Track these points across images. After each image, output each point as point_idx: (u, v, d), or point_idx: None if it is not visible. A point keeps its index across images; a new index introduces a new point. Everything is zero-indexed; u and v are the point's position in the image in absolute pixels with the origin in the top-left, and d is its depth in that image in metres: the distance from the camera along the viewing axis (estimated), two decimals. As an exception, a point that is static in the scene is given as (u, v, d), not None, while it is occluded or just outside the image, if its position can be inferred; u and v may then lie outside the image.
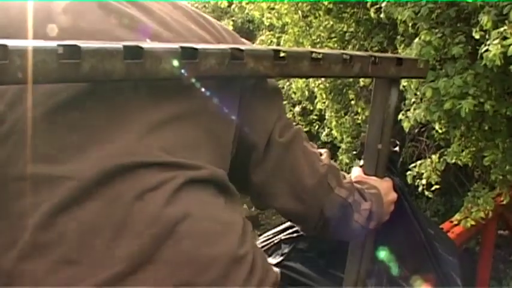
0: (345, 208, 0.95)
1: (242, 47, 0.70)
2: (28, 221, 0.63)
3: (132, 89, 0.69)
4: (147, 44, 0.65)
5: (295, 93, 3.53)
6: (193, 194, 0.70)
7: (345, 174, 1.01)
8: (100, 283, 0.62)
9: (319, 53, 0.78)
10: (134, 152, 0.67)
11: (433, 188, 2.32)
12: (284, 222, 1.66)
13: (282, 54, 0.72)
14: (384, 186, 1.12)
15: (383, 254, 1.44)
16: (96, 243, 0.63)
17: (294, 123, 0.94)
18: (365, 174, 1.18)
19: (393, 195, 1.14)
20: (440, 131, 2.17)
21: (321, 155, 0.94)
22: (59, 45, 0.60)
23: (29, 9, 0.68)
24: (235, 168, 0.81)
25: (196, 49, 0.65)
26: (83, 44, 0.61)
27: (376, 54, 0.92)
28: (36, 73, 0.58)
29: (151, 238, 0.64)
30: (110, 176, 0.65)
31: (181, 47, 0.64)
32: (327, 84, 3.14)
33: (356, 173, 1.18)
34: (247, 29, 5.30)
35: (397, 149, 1.30)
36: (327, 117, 3.38)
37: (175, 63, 0.63)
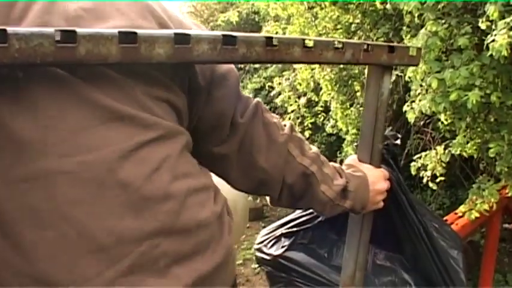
0: (308, 176, 0.98)
1: (234, 34, 0.71)
2: None
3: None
4: (141, 30, 0.66)
5: (300, 84, 3.52)
6: (185, 161, 0.77)
7: (312, 146, 1.04)
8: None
9: (311, 40, 0.78)
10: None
11: (437, 180, 2.30)
12: (288, 215, 1.67)
13: (274, 41, 0.73)
14: (374, 174, 1.13)
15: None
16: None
17: (256, 99, 0.98)
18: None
19: (382, 185, 1.14)
20: (445, 122, 2.16)
21: (285, 126, 0.98)
22: (56, 30, 0.61)
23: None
24: (197, 139, 0.85)
25: (189, 34, 0.66)
26: (79, 29, 0.63)
27: (368, 42, 0.92)
28: (34, 56, 0.59)
29: (167, 214, 0.70)
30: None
31: (175, 33, 0.65)
32: (333, 76, 3.13)
33: (351, 158, 1.20)
34: (253, 20, 5.29)
35: (398, 142, 1.30)
36: (332, 108, 3.37)
37: (169, 48, 0.64)
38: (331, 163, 1.07)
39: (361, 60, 0.89)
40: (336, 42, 0.82)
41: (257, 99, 0.98)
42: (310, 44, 0.77)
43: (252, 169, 0.95)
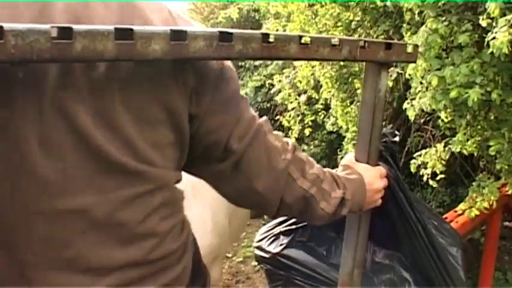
0: (307, 199, 1.00)
1: (231, 30, 0.71)
2: None
3: None
4: (137, 27, 0.65)
5: (300, 82, 3.51)
6: (172, 203, 0.90)
7: (314, 163, 1.05)
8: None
9: (307, 37, 0.78)
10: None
11: (437, 178, 2.30)
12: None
13: (270, 38, 0.73)
14: (371, 173, 1.15)
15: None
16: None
17: (259, 116, 0.98)
18: (357, 160, 1.19)
19: (379, 184, 1.16)
20: (445, 120, 2.15)
21: (288, 146, 0.99)
22: (52, 27, 0.62)
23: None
24: (194, 158, 0.92)
25: (185, 31, 0.66)
26: (75, 25, 0.63)
27: (365, 39, 0.93)
28: (30, 52, 0.60)
29: (149, 248, 0.84)
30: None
31: (171, 29, 0.65)
32: (333, 73, 3.12)
33: (347, 158, 1.22)
34: (253, 18, 5.28)
35: (397, 139, 1.30)
36: (332, 106, 3.36)
37: (165, 44, 0.64)
38: (328, 170, 1.09)
39: (358, 57, 0.89)
40: (332, 39, 0.82)
41: (263, 119, 0.98)
42: (306, 40, 0.78)
43: (248, 192, 0.97)
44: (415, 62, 1.12)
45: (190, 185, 2.30)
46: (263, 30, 0.87)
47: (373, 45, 0.93)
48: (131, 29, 0.64)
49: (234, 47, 0.69)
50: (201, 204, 2.24)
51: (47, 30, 0.61)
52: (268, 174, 0.94)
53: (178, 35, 0.65)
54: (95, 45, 0.63)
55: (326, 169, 1.09)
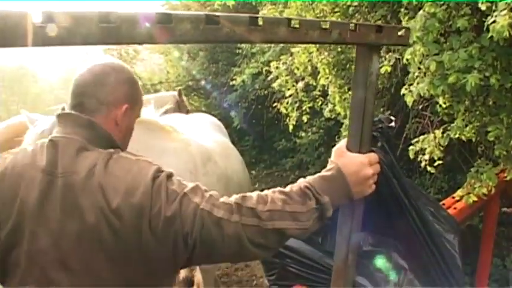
0: (277, 231, 1.07)
1: (217, 13, 0.69)
2: None
3: None
4: (123, 11, 0.63)
5: (298, 68, 3.48)
6: None
7: (267, 196, 1.10)
8: None
9: (296, 20, 0.77)
10: None
11: (435, 164, 2.28)
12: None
13: (258, 21, 0.71)
14: (356, 162, 1.16)
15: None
16: None
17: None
18: (348, 146, 1.17)
19: (367, 171, 1.16)
20: (443, 106, 2.13)
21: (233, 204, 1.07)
22: (35, 12, 0.61)
23: None
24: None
25: (170, 14, 0.63)
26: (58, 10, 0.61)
27: (355, 22, 0.91)
28: (14, 36, 0.59)
29: None
30: None
31: (156, 12, 0.63)
32: (330, 59, 3.09)
33: (338, 145, 1.22)
34: (250, 4, 5.23)
35: (392, 124, 1.28)
36: (330, 92, 3.33)
37: (150, 27, 0.62)
38: (296, 186, 1.13)
39: (348, 40, 0.87)
40: (322, 22, 0.80)
41: (205, 197, 1.07)
42: (295, 23, 0.76)
43: (216, 262, 1.16)
44: (406, 45, 1.11)
45: (190, 168, 2.52)
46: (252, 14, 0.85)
47: (364, 28, 0.91)
48: (116, 12, 0.62)
49: (221, 30, 0.67)
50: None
51: (29, 15, 0.59)
52: (225, 242, 1.04)
53: (164, 18, 0.63)
54: (78, 28, 0.61)
55: (294, 185, 1.14)
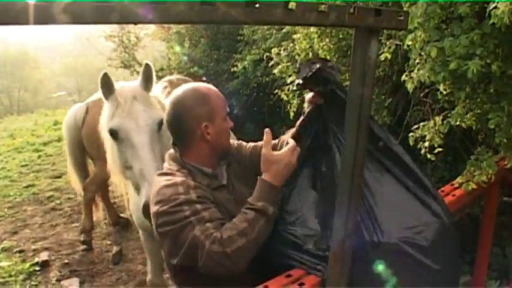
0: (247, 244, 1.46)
1: (214, -6, 0.68)
2: None
3: None
4: None
5: (299, 55, 3.46)
6: None
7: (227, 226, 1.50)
8: None
9: (293, 2, 0.76)
10: None
11: (436, 151, 2.27)
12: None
13: (255, 2, 0.70)
14: (278, 160, 1.59)
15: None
16: None
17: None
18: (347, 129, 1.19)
19: (287, 163, 1.59)
20: (444, 93, 2.12)
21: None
22: None
23: None
24: None
25: (164, -7, 0.62)
26: None
27: (354, 5, 0.90)
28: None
29: None
30: None
31: (151, -9, 0.62)
32: (332, 46, 3.07)
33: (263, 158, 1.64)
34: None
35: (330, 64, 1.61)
36: (331, 79, 3.31)
37: (145, 6, 0.61)
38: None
39: (346, 23, 0.87)
40: (319, 5, 0.80)
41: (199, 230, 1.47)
42: (292, 5, 0.75)
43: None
44: (405, 29, 1.10)
45: None
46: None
47: (362, 11, 0.90)
48: (109, -8, 0.61)
49: (217, 11, 0.66)
50: None
51: None
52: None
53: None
54: (73, 8, 0.60)
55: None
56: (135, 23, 0.78)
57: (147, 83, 2.33)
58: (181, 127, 1.65)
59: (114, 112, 2.21)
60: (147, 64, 2.31)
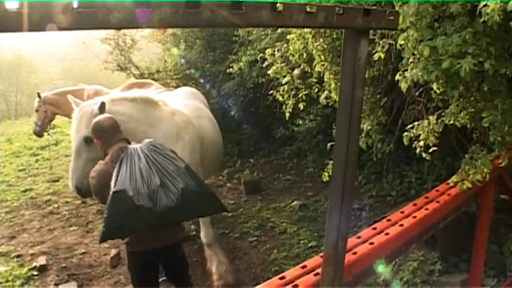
0: None
1: (200, -2, 0.67)
2: None
3: None
4: None
5: (293, 55, 3.45)
6: None
7: None
8: None
9: (280, 3, 0.75)
10: None
11: (431, 150, 2.27)
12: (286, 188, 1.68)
13: (240, 4, 0.70)
14: None
15: None
16: None
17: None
18: (337, 131, 1.18)
19: None
20: (438, 92, 2.12)
21: None
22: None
23: None
24: None
25: (149, -3, 0.62)
26: None
27: (343, 5, 0.90)
28: None
29: None
30: None
31: (134, -5, 0.62)
32: (326, 46, 3.07)
33: None
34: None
35: None
36: (325, 79, 3.31)
37: (128, 12, 0.61)
38: None
39: (335, 24, 0.86)
40: (307, 6, 0.79)
41: None
42: (279, 7, 0.74)
43: None
44: (395, 29, 1.10)
45: (176, 131, 3.34)
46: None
47: (351, 11, 0.90)
48: (92, -3, 0.61)
49: (202, 14, 0.66)
50: (182, 145, 3.36)
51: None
52: None
53: (142, 2, 0.62)
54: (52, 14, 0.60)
55: None
56: (119, 29, 0.77)
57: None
58: None
59: None
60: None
